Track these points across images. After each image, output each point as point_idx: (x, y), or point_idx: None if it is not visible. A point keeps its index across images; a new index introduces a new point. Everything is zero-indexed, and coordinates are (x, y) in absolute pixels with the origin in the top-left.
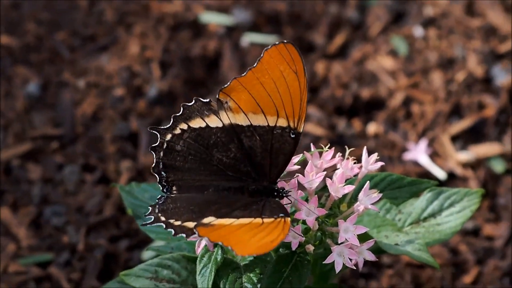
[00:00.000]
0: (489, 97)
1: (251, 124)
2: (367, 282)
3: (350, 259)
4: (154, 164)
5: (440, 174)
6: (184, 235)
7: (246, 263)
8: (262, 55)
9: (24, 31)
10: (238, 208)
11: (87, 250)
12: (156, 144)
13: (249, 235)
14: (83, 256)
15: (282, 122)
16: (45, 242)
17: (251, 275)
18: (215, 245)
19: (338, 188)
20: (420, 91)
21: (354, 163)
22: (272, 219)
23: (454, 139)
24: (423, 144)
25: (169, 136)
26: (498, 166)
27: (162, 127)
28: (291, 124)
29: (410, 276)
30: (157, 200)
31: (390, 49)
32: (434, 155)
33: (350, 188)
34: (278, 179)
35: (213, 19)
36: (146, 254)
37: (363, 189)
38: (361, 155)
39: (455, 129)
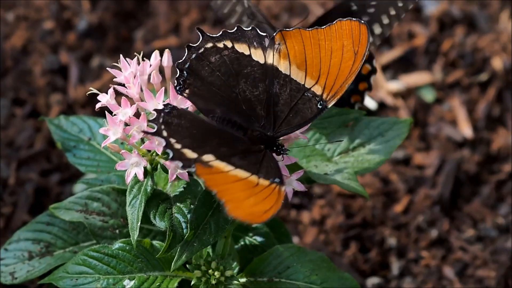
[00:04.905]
0: (419, 27)
1: (289, 75)
2: (298, 212)
3: None
4: (181, 61)
5: (371, 104)
6: (180, 163)
7: (176, 194)
8: (334, 22)
9: None
10: (237, 153)
11: (18, 184)
12: (194, 45)
13: (244, 195)
14: (14, 190)
15: (317, 89)
16: None
17: (181, 205)
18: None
19: None
20: None
21: None
22: (267, 182)
23: (385, 68)
24: None
25: (209, 45)
26: (428, 95)
27: (209, 34)
28: (324, 96)
29: (341, 206)
30: (163, 107)
31: None
32: None
33: None
34: (281, 137)
35: None
36: (77, 187)
37: None
38: None
39: (386, 58)
